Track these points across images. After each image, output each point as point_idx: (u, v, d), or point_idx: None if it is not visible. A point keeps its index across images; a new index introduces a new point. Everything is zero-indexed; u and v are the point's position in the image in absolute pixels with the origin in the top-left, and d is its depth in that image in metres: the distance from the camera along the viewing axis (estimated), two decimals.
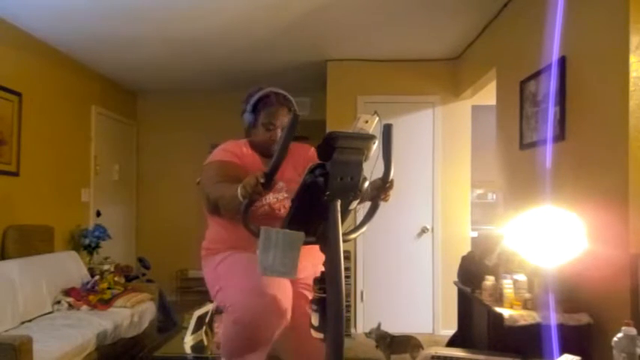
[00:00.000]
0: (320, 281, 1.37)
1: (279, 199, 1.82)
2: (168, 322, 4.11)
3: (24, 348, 2.36)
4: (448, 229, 4.49)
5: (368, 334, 3.30)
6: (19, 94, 3.74)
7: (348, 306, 4.44)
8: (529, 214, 2.20)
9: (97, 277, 3.90)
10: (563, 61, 2.50)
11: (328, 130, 4.42)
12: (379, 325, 3.32)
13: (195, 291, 5.38)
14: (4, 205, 3.57)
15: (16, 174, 3.71)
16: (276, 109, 1.87)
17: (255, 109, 1.89)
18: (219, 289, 1.76)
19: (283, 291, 1.64)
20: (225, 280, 1.73)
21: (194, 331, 2.94)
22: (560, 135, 2.49)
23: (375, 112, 1.46)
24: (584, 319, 2.15)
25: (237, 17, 3.59)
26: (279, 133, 1.85)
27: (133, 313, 3.55)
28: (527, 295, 2.32)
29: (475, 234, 4.14)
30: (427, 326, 4.47)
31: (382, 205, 1.56)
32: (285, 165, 1.83)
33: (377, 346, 3.29)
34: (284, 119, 1.86)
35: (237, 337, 1.63)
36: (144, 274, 5.13)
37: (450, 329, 3.56)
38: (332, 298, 1.30)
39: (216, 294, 1.78)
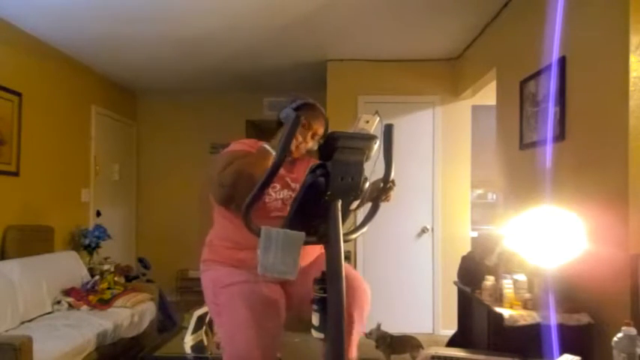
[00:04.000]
0: (320, 281, 1.37)
1: (292, 197, 1.83)
2: (168, 322, 4.11)
3: (24, 348, 2.36)
4: (448, 229, 4.50)
5: (368, 335, 3.30)
6: (19, 94, 3.74)
7: None
8: (529, 214, 2.20)
9: (97, 277, 3.90)
10: (563, 61, 2.50)
11: (329, 130, 4.42)
12: (379, 325, 3.32)
13: (195, 291, 5.37)
14: (4, 205, 3.57)
15: (16, 174, 3.71)
16: (316, 114, 1.91)
17: (297, 109, 1.92)
18: (218, 326, 1.80)
19: (276, 335, 1.70)
20: (224, 319, 1.75)
21: (194, 331, 2.94)
22: (560, 135, 2.50)
23: (377, 112, 1.47)
24: (584, 319, 2.16)
25: (237, 17, 3.59)
26: (309, 135, 1.89)
27: (133, 313, 3.55)
28: (527, 295, 2.32)
29: (475, 234, 4.14)
30: (427, 326, 4.47)
31: (382, 205, 1.56)
32: (301, 167, 1.89)
33: (377, 346, 3.29)
34: (320, 127, 1.91)
35: None
36: (144, 274, 5.13)
37: (450, 329, 3.56)
38: (332, 298, 1.31)
39: (216, 325, 1.84)
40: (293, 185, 1.85)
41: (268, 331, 1.65)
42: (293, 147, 1.82)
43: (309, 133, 1.88)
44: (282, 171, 1.65)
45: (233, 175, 1.67)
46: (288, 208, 1.79)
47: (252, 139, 1.96)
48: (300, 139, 1.85)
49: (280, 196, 1.82)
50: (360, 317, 1.82)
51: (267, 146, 1.73)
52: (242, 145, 1.89)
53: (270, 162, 1.68)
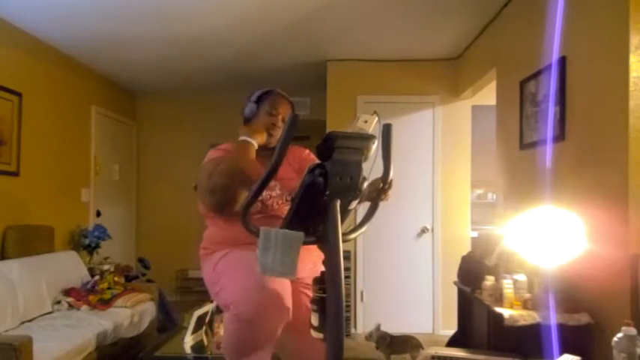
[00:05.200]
0: (320, 281, 1.36)
1: (272, 196, 1.83)
2: (168, 322, 4.11)
3: (24, 348, 2.36)
4: (448, 229, 4.49)
5: (368, 337, 3.29)
6: (19, 94, 3.74)
7: (348, 306, 4.44)
8: (529, 214, 2.20)
9: (97, 277, 3.90)
10: (563, 61, 2.50)
11: (328, 130, 4.43)
12: (379, 326, 3.31)
13: (195, 291, 5.38)
14: (4, 205, 3.57)
15: (16, 174, 3.71)
16: (279, 99, 1.95)
17: (258, 100, 1.95)
18: (220, 289, 1.75)
19: (283, 286, 1.65)
20: (225, 279, 1.73)
21: (194, 331, 2.94)
22: (560, 135, 2.49)
23: (375, 112, 1.46)
24: (584, 319, 2.15)
25: (237, 17, 3.59)
26: (279, 120, 1.91)
27: (133, 313, 3.55)
28: (527, 295, 2.32)
29: (475, 234, 4.14)
30: (427, 326, 4.47)
31: (382, 205, 1.56)
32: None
33: (377, 347, 3.29)
34: (286, 111, 1.93)
35: (239, 335, 1.62)
36: (144, 274, 5.13)
37: (450, 329, 3.56)
38: (332, 298, 1.30)
39: (217, 293, 1.77)
40: (272, 183, 1.83)
41: (274, 287, 1.61)
42: (266, 137, 1.85)
43: (279, 118, 1.91)
44: (260, 170, 1.61)
45: (223, 176, 1.67)
46: (272, 207, 1.81)
47: (229, 143, 1.96)
48: (273, 122, 1.89)
49: (259, 197, 1.80)
50: None
51: (245, 137, 1.73)
52: (221, 151, 1.89)
53: (253, 152, 1.71)
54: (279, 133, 1.89)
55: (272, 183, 1.83)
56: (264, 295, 1.57)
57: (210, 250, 1.88)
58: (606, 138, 2.17)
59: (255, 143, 1.73)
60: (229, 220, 1.76)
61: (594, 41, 2.29)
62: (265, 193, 1.81)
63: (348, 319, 4.43)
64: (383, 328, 3.31)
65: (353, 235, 1.47)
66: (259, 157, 1.87)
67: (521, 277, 2.37)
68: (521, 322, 2.19)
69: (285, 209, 1.77)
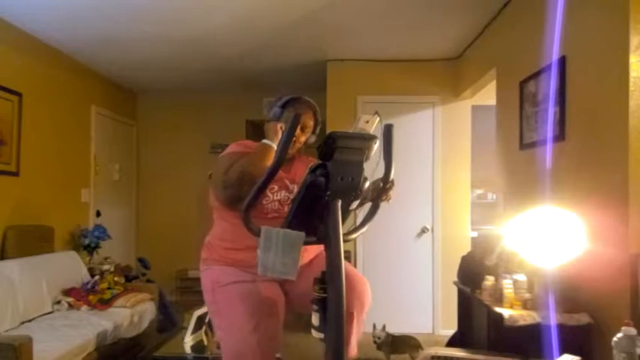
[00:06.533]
0: (321, 281, 1.37)
1: (290, 198, 1.83)
2: (168, 322, 4.11)
3: (24, 348, 2.36)
4: (448, 229, 4.50)
5: (377, 340, 3.28)
6: (19, 94, 3.74)
7: None
8: (529, 214, 2.20)
9: (97, 277, 3.90)
10: (563, 61, 2.50)
11: (328, 130, 4.43)
12: (384, 327, 3.30)
13: (195, 291, 5.35)
14: (4, 205, 3.57)
15: (16, 174, 3.71)
16: (304, 108, 1.92)
17: (284, 106, 1.93)
18: (217, 327, 1.81)
19: (274, 330, 1.70)
20: (222, 319, 1.76)
21: (194, 331, 2.95)
22: (560, 135, 2.50)
23: (376, 113, 1.47)
24: (584, 319, 2.16)
25: (236, 17, 3.59)
26: (298, 129, 1.88)
27: (133, 313, 3.55)
28: (527, 295, 2.32)
29: (475, 234, 4.14)
30: (427, 326, 4.47)
31: (382, 204, 1.56)
32: (298, 168, 1.89)
33: (378, 347, 3.29)
34: (309, 120, 1.92)
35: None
36: (144, 274, 5.12)
37: (450, 329, 3.56)
38: (332, 298, 1.30)
39: (214, 325, 1.83)
40: (291, 186, 1.85)
41: (266, 331, 1.66)
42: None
43: (298, 127, 1.87)
44: (280, 172, 1.64)
45: (237, 175, 1.67)
46: (286, 209, 1.81)
47: (250, 140, 1.96)
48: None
49: (278, 197, 1.82)
50: (360, 315, 1.83)
51: (267, 141, 1.73)
52: (241, 146, 1.89)
53: (272, 154, 1.69)
54: (297, 143, 1.90)
55: (290, 185, 1.84)
56: (254, 338, 1.63)
57: (208, 262, 1.88)
58: (606, 138, 2.17)
59: (275, 146, 1.71)
60: (238, 217, 1.76)
61: (594, 41, 2.29)
62: (284, 194, 1.82)
63: None
64: (380, 328, 3.32)
65: (354, 236, 1.48)
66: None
67: (521, 277, 2.37)
68: (521, 322, 2.19)
69: None
